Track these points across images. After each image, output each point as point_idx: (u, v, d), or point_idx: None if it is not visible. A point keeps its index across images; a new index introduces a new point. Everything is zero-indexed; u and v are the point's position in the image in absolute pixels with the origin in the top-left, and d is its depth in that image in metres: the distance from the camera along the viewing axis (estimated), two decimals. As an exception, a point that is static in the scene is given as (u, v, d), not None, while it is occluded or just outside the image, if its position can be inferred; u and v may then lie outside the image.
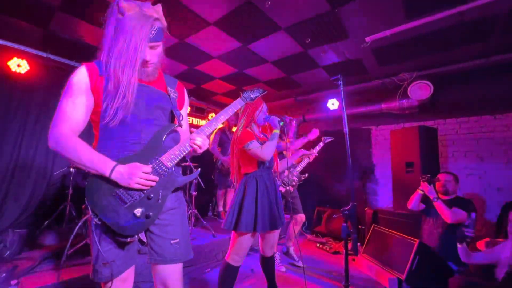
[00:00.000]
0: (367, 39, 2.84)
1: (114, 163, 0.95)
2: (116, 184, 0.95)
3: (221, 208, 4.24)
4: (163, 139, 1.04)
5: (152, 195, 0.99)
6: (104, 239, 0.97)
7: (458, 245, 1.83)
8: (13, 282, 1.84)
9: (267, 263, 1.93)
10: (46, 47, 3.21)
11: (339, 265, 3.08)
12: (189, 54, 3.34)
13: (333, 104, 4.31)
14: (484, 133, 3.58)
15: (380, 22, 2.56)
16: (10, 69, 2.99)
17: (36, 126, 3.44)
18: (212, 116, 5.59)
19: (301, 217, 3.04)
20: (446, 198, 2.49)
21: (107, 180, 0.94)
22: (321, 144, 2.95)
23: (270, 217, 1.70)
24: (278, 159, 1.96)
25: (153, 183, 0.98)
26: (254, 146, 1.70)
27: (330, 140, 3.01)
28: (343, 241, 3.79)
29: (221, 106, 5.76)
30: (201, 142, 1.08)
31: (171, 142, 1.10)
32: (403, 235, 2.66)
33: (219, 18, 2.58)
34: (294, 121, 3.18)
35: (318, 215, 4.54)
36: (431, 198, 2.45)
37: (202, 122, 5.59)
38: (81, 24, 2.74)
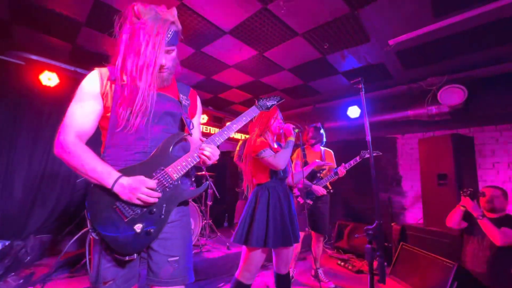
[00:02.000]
0: (390, 42, 2.66)
1: (117, 174, 0.89)
2: (117, 197, 0.89)
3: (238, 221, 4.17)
4: (171, 148, 0.98)
5: (154, 210, 0.91)
6: (104, 256, 0.91)
7: None
8: (30, 289, 1.86)
9: (282, 282, 1.78)
10: (74, 61, 3.42)
11: (363, 286, 2.81)
12: (205, 63, 3.36)
13: (354, 111, 4.10)
14: (530, 141, 3.18)
15: (405, 22, 2.39)
16: (41, 82, 3.19)
17: (63, 136, 3.63)
18: (228, 125, 5.59)
19: (318, 236, 2.79)
20: (493, 216, 2.17)
21: (109, 192, 0.89)
22: (357, 158, 2.62)
23: (283, 232, 1.59)
24: (292, 170, 1.84)
25: (156, 200, 0.91)
26: (267, 155, 1.63)
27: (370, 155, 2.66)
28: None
29: (239, 115, 5.75)
30: (211, 152, 1.00)
31: (180, 151, 1.04)
32: (438, 257, 2.36)
33: (234, 26, 2.57)
34: (310, 128, 3.01)
35: (339, 230, 4.26)
36: (476, 215, 2.15)
37: (220, 131, 5.61)
38: (106, 39, 2.87)
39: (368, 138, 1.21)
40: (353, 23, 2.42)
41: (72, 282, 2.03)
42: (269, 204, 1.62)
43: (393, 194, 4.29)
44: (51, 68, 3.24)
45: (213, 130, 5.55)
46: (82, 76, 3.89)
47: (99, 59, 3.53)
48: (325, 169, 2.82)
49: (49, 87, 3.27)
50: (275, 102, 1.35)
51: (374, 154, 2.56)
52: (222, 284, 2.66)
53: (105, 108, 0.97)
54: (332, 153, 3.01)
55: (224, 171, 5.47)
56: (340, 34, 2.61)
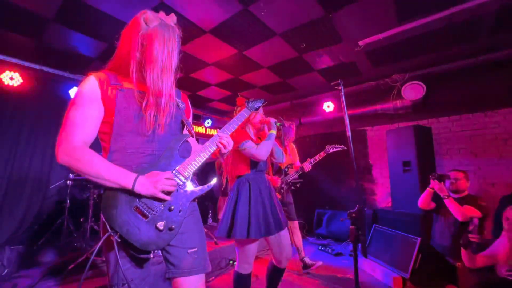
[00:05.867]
0: (360, 42, 2.90)
1: (135, 174, 0.92)
2: (137, 197, 0.92)
3: (221, 216, 4.20)
4: (178, 149, 1.04)
5: (173, 207, 0.96)
6: (123, 257, 0.93)
7: (463, 251, 1.83)
8: (13, 301, 1.78)
9: (276, 273, 1.81)
10: (39, 59, 3.18)
11: (343, 267, 3.08)
12: (184, 62, 3.34)
13: (328, 106, 4.36)
14: (476, 130, 3.67)
15: (372, 26, 2.63)
16: (3, 82, 2.93)
17: (30, 139, 3.38)
18: (208, 123, 5.59)
19: (295, 223, 2.94)
20: (457, 196, 2.46)
21: (127, 194, 0.91)
22: (322, 154, 2.83)
23: (265, 222, 1.62)
24: (271, 166, 1.92)
25: (174, 188, 0.96)
26: (249, 146, 1.66)
27: (336, 150, 2.85)
28: (344, 242, 3.81)
29: (217, 112, 5.76)
30: (227, 141, 1.10)
31: (184, 152, 1.09)
32: (405, 234, 2.69)
33: (215, 26, 2.60)
34: (294, 125, 3.14)
35: (318, 218, 4.55)
36: (442, 196, 2.41)
37: (199, 129, 5.58)
38: (76, 35, 2.72)
39: (348, 133, 1.37)
40: (328, 25, 2.60)
41: (60, 291, 1.97)
42: (251, 197, 1.65)
43: (365, 181, 4.67)
44: (13, 67, 2.99)
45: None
46: (49, 75, 3.64)
47: (67, 57, 3.35)
48: (292, 165, 2.94)
49: (11, 87, 3.02)
50: (261, 104, 1.48)
51: (338, 149, 2.83)
52: (212, 278, 2.75)
53: (107, 113, 0.98)
54: (295, 147, 3.19)
55: (206, 168, 5.49)
56: (315, 35, 2.77)
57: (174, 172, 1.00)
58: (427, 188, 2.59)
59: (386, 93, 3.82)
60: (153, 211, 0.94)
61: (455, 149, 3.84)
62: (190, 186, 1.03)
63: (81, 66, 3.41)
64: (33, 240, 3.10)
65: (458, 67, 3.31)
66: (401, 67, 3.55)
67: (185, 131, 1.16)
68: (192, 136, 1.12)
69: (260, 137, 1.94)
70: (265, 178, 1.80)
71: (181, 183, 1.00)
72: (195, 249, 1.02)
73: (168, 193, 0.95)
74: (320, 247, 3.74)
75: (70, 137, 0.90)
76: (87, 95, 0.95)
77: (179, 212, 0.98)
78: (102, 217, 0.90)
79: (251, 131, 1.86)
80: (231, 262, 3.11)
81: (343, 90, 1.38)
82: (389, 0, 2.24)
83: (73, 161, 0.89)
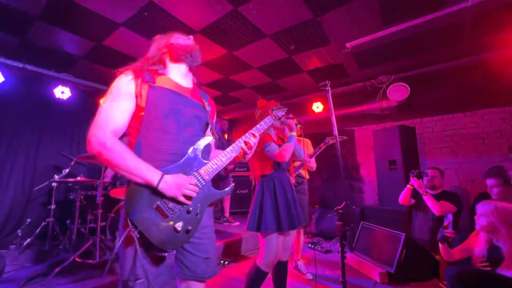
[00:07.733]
0: (348, 45, 2.98)
1: (161, 172, 0.92)
2: (160, 195, 0.93)
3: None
4: (201, 151, 1.04)
5: (191, 209, 0.98)
6: (139, 253, 0.93)
7: (440, 245, 1.94)
8: (-4, 307, 1.72)
9: (280, 269, 1.84)
10: (23, 57, 3.08)
11: (332, 263, 3.15)
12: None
13: (317, 107, 4.45)
14: (457, 129, 3.86)
15: (359, 29, 2.71)
16: (-18, 81, 2.83)
17: (12, 140, 3.27)
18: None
19: (300, 227, 2.78)
20: (434, 192, 2.62)
21: (151, 191, 0.92)
22: (322, 145, 2.77)
23: (290, 216, 1.72)
24: (293, 162, 1.98)
25: (195, 195, 0.98)
26: (272, 148, 1.74)
27: (333, 142, 2.76)
28: (333, 240, 3.89)
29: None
30: (254, 143, 1.12)
31: (205, 154, 1.10)
32: (390, 230, 2.78)
33: (205, 26, 2.61)
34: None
35: (308, 216, 4.62)
36: (421, 192, 2.57)
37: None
38: (62, 33, 2.66)
39: (335, 132, 1.42)
40: (316, 28, 2.66)
41: (46, 294, 1.93)
42: (276, 192, 1.74)
43: (353, 180, 4.79)
44: (-6, 65, 2.89)
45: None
46: (33, 73, 3.55)
47: (53, 55, 3.26)
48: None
49: (-9, 86, 2.92)
50: (284, 113, 1.52)
51: (339, 139, 2.90)
52: (203, 277, 2.74)
53: (138, 108, 1.00)
54: (310, 142, 3.11)
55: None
56: (304, 36, 2.83)
57: (195, 174, 1.01)
58: (407, 185, 2.74)
59: (372, 94, 3.94)
60: (173, 211, 0.95)
61: (438, 148, 4.01)
62: (209, 190, 1.04)
63: (66, 65, 3.33)
64: (17, 243, 2.99)
65: (440, 69, 3.46)
66: (386, 69, 3.67)
67: (208, 133, 1.18)
68: (215, 139, 1.14)
69: (281, 136, 2.02)
70: (287, 176, 1.88)
71: (201, 186, 1.01)
72: (210, 257, 1.06)
73: (189, 198, 0.96)
74: (309, 245, 3.80)
75: (105, 127, 0.92)
76: (122, 89, 0.98)
77: (196, 215, 0.99)
78: (124, 212, 0.91)
79: (272, 132, 1.93)
80: (222, 262, 3.12)
81: (330, 91, 1.43)
82: (374, 5, 2.33)
83: (105, 150, 0.90)
